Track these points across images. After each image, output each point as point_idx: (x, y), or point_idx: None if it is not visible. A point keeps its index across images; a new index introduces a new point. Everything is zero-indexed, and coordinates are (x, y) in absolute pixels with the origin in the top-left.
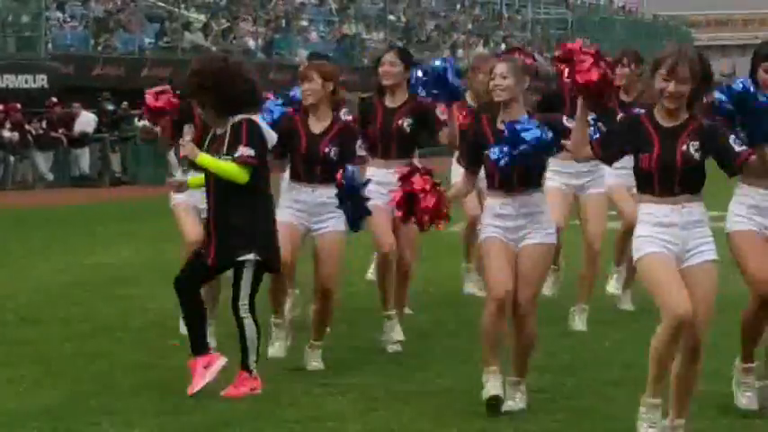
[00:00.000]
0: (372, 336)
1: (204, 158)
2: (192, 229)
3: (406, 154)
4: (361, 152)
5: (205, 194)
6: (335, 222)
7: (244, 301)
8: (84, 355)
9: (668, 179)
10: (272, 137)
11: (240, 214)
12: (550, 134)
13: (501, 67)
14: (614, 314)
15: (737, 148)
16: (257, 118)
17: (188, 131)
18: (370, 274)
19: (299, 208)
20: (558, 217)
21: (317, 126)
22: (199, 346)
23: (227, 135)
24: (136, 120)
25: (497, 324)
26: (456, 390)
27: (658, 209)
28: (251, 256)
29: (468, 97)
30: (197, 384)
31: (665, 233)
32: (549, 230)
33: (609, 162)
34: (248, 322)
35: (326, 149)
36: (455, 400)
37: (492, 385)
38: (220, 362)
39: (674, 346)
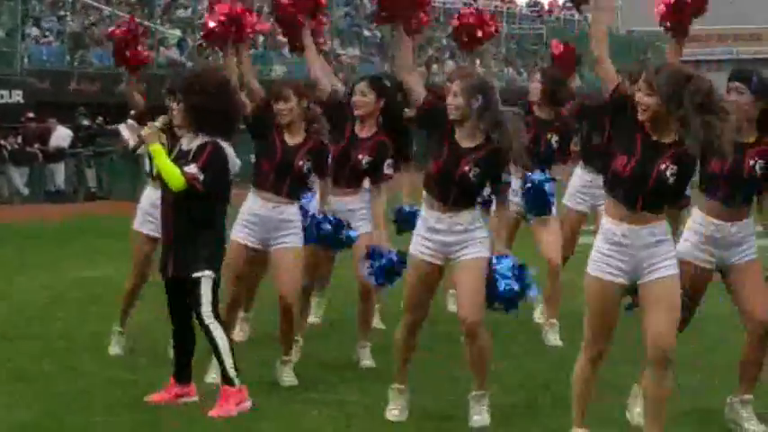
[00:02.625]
0: (348, 351)
1: (156, 149)
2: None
3: (358, 184)
4: (389, 170)
5: (161, 203)
6: (294, 238)
7: (207, 308)
8: (61, 372)
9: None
10: (235, 165)
11: (199, 229)
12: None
13: (455, 85)
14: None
15: None
16: (226, 145)
17: (161, 119)
18: None
19: (256, 222)
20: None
21: (291, 140)
22: (181, 374)
23: (192, 152)
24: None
25: (409, 340)
26: (432, 405)
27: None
28: (208, 273)
29: None
30: (218, 410)
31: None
32: (485, 244)
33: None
34: (215, 327)
35: (300, 163)
36: (431, 415)
37: (394, 411)
38: (191, 398)
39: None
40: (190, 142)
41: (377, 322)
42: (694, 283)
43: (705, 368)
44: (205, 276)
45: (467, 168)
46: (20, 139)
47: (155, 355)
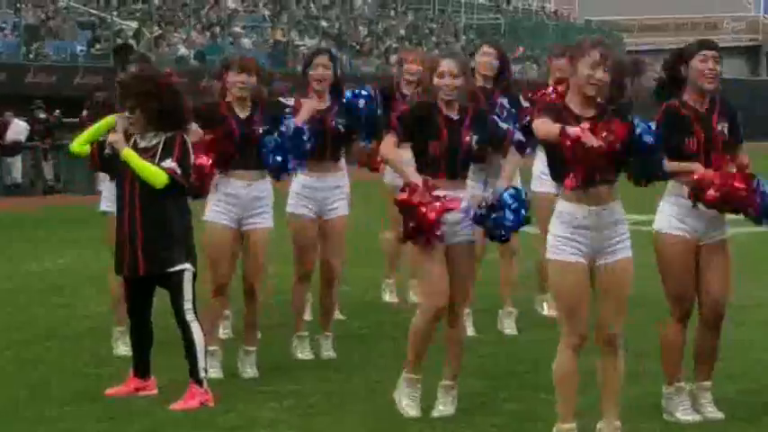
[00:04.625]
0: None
1: (129, 153)
2: None
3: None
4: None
5: (121, 204)
6: (265, 218)
7: (188, 305)
8: (21, 362)
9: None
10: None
11: (176, 223)
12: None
13: (449, 66)
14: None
15: None
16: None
17: (120, 122)
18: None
19: (232, 202)
20: None
21: (242, 113)
22: (142, 369)
23: (159, 147)
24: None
25: (431, 332)
26: (391, 395)
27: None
28: (188, 266)
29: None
30: (180, 404)
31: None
32: (475, 228)
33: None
34: (195, 327)
35: (260, 131)
36: (392, 405)
37: (411, 404)
38: (151, 392)
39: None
40: (149, 140)
41: (337, 313)
42: None
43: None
44: (187, 270)
45: (467, 138)
46: None
47: (109, 346)
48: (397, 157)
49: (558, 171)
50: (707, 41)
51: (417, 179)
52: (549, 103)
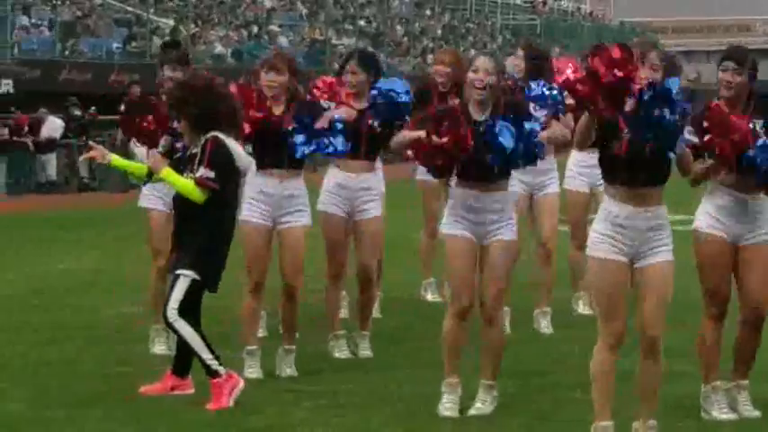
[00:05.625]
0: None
1: (166, 172)
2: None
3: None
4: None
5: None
6: (302, 216)
7: (173, 305)
8: (45, 363)
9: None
10: (244, 162)
11: (193, 232)
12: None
13: (483, 64)
14: (581, 317)
15: None
16: (230, 139)
17: (163, 141)
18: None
19: (265, 201)
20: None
21: (276, 110)
22: (179, 367)
23: (198, 154)
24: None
25: (460, 332)
26: (423, 394)
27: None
28: (189, 272)
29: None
30: (213, 404)
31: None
32: (513, 226)
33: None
34: (180, 325)
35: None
36: (422, 404)
37: (449, 404)
38: (186, 392)
39: None
40: (196, 146)
41: (374, 312)
42: None
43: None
44: (184, 275)
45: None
46: (9, 130)
47: (138, 346)
48: (397, 137)
49: (606, 168)
50: (727, 52)
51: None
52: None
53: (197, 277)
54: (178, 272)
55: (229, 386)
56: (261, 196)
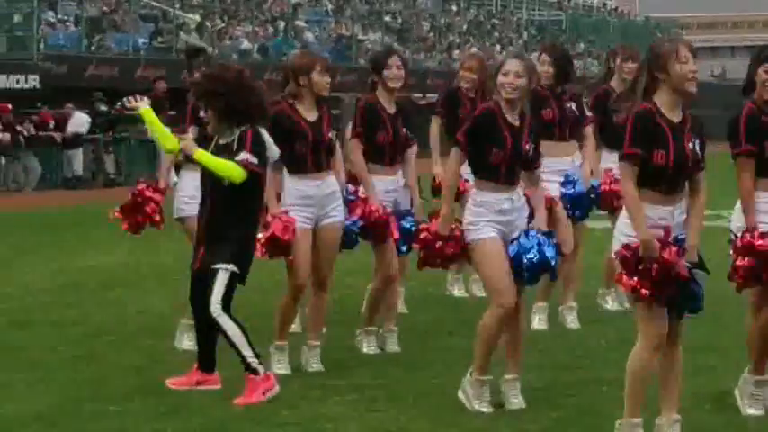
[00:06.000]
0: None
1: (202, 154)
2: None
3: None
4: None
5: (202, 198)
6: (339, 212)
7: (216, 301)
8: (77, 359)
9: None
10: (273, 152)
11: (231, 225)
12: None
13: (516, 66)
14: (610, 312)
15: None
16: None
17: (192, 131)
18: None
19: (309, 204)
20: None
21: (309, 115)
22: (204, 362)
23: (234, 143)
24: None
25: (500, 331)
26: (453, 389)
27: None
28: (228, 266)
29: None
30: (243, 399)
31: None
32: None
33: None
34: (224, 320)
35: (329, 134)
36: (454, 399)
37: (483, 403)
38: (213, 387)
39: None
40: (227, 137)
41: (400, 306)
42: None
43: (719, 349)
44: (224, 269)
45: (527, 147)
46: (35, 125)
47: (167, 341)
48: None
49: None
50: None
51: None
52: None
53: (236, 270)
54: (217, 266)
55: (264, 387)
56: (304, 200)
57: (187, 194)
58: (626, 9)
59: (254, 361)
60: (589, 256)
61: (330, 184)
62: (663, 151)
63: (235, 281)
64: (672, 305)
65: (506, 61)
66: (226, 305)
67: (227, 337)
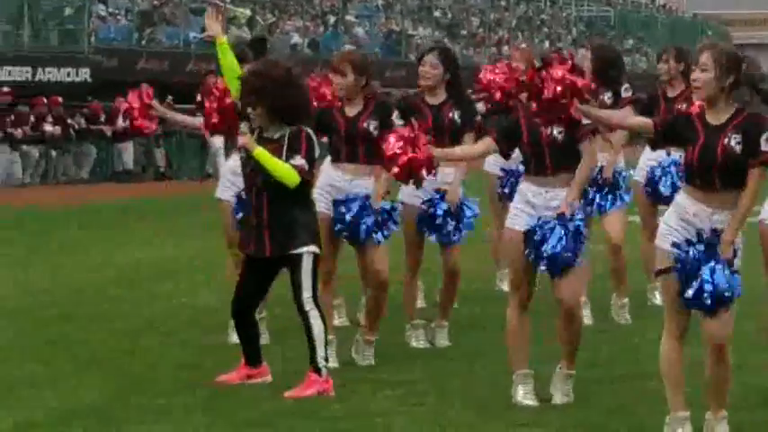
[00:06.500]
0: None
1: (261, 153)
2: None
3: None
4: (399, 121)
5: (248, 185)
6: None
7: (307, 294)
8: (125, 352)
9: (708, 173)
10: (319, 152)
11: (300, 208)
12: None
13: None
14: (658, 307)
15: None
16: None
17: (245, 125)
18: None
19: (332, 192)
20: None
21: (351, 111)
22: (251, 356)
23: (285, 142)
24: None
25: (523, 325)
26: (502, 382)
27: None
28: (311, 247)
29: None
30: (295, 392)
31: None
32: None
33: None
34: (314, 315)
35: (365, 125)
36: (502, 392)
37: (526, 395)
38: (264, 379)
39: None
40: (273, 133)
41: (420, 302)
42: None
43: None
44: (307, 252)
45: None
46: (86, 119)
47: (216, 335)
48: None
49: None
50: None
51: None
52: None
53: (317, 251)
54: (299, 250)
55: (320, 388)
56: (330, 188)
57: (227, 177)
58: (674, 6)
59: (322, 363)
60: (635, 250)
61: (362, 185)
62: (691, 146)
63: (317, 262)
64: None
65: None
66: (315, 296)
67: (309, 330)
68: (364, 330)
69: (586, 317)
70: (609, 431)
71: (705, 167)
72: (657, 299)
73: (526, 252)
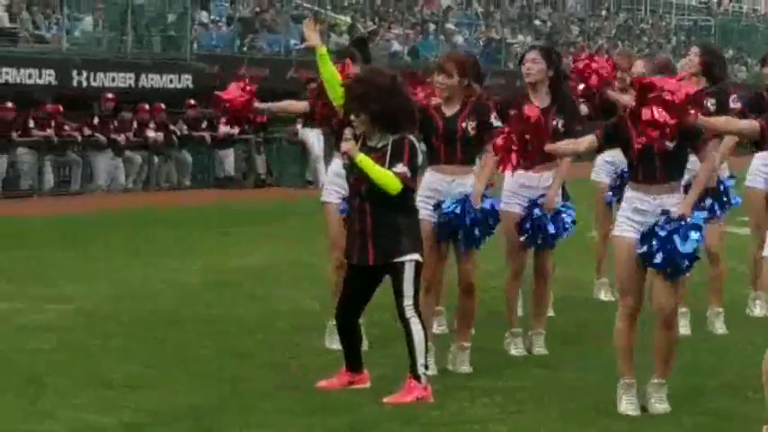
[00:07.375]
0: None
1: (364, 159)
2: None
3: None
4: (497, 122)
5: (352, 193)
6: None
7: (408, 301)
8: (225, 355)
9: None
10: (419, 159)
11: (403, 216)
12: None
13: (642, 66)
14: (758, 318)
15: None
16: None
17: (349, 131)
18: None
19: (436, 197)
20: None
21: (449, 111)
22: (352, 362)
23: (388, 150)
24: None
25: (630, 332)
26: (600, 391)
27: None
28: (413, 255)
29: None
30: (395, 398)
31: None
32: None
33: None
34: (415, 322)
35: (463, 125)
36: (599, 401)
37: (629, 405)
38: (364, 385)
39: None
40: (377, 141)
41: (548, 311)
42: None
43: None
44: (409, 260)
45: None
46: (187, 125)
47: (315, 339)
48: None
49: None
50: None
51: None
52: None
53: (420, 259)
54: (402, 258)
55: (420, 395)
56: (432, 193)
57: (331, 180)
58: None
59: (422, 370)
60: (733, 260)
61: (464, 184)
62: None
63: (420, 270)
64: None
65: (635, 63)
66: (417, 303)
67: (410, 338)
68: (456, 337)
69: (684, 326)
70: None
71: None
72: (757, 309)
73: (639, 253)
